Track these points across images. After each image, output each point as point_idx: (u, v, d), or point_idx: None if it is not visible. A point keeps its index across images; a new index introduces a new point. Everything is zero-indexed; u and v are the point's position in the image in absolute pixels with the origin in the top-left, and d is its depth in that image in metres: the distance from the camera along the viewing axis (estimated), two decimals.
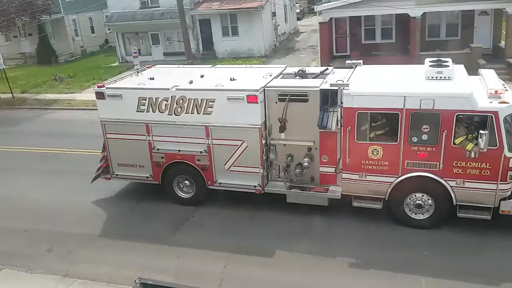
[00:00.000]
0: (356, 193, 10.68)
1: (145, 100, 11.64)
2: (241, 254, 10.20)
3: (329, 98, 10.55)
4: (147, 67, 14.22)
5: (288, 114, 10.82)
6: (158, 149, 11.99)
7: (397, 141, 9.94)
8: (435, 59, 10.74)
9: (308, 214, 11.33)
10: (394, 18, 26.45)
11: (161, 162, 12.06)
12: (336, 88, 10.20)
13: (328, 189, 11.04)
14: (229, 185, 11.74)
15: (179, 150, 11.80)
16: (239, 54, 33.53)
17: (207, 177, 11.81)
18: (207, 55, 34.03)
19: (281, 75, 11.96)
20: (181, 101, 11.32)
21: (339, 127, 10.38)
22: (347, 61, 12.20)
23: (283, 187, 11.40)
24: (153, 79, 12.36)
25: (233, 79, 11.58)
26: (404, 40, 25.77)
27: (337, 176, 10.94)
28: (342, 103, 10.15)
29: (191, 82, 11.72)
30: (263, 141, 11.00)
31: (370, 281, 9.11)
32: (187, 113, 11.36)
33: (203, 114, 11.23)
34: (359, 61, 12.04)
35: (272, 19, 36.61)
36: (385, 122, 10.06)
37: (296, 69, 12.08)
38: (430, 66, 10.32)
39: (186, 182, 12.25)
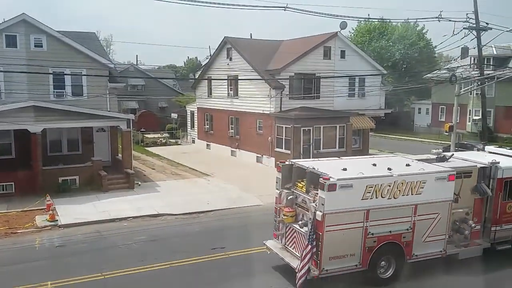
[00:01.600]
0: (497, 240, 14.84)
1: (372, 187, 12.33)
2: None
3: (483, 172, 14.57)
4: (280, 163, 14.04)
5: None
6: (372, 234, 12.57)
7: None
8: (465, 142, 16.79)
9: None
10: (12, 133, 25.55)
11: (373, 246, 12.62)
12: (492, 165, 14.49)
13: (476, 242, 14.70)
14: (422, 255, 13.51)
15: (390, 231, 12.82)
16: None
17: (407, 252, 13.21)
18: None
19: (419, 160, 14.93)
20: (401, 184, 12.71)
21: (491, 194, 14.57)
22: (465, 142, 16.47)
23: (450, 248, 14.20)
24: (346, 169, 12.90)
25: (409, 165, 13.83)
26: (26, 156, 24.92)
27: (480, 231, 14.82)
28: (494, 175, 14.47)
29: (389, 169, 13.16)
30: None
31: None
32: (404, 195, 12.82)
33: (415, 194, 12.98)
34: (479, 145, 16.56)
35: None
36: None
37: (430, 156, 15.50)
38: (491, 151, 16.20)
39: (383, 262, 13.09)
